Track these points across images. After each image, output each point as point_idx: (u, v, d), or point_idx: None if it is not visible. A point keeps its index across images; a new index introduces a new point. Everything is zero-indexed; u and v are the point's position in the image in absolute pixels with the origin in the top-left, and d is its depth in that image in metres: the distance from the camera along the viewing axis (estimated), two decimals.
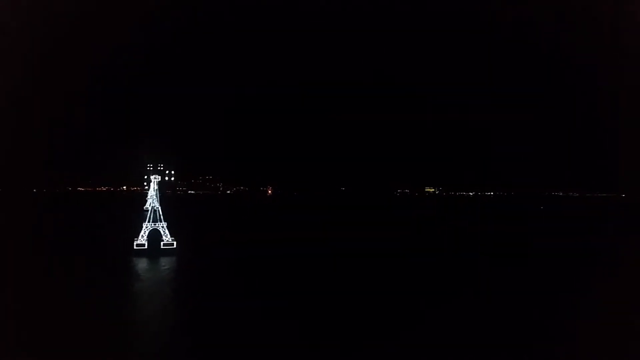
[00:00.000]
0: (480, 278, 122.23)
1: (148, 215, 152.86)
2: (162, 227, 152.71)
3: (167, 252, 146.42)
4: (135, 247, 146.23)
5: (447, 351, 68.17)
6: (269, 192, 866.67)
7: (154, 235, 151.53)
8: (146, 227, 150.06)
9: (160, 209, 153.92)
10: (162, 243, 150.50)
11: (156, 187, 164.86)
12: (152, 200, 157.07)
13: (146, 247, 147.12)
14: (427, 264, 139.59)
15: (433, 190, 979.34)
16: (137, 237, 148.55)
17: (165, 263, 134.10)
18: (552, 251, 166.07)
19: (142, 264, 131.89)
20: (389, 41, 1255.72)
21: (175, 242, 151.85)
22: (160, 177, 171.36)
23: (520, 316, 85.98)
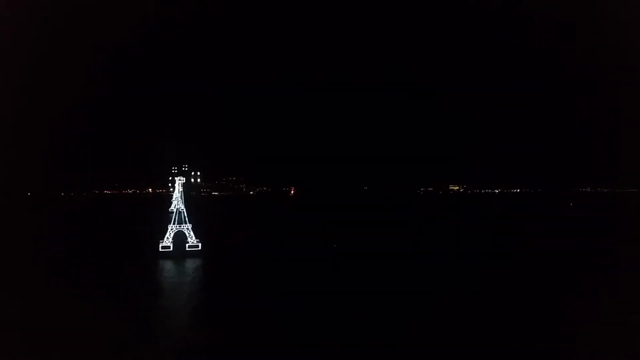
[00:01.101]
0: (480, 278, 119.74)
1: (173, 217, 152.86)
2: (187, 228, 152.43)
3: (193, 254, 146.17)
4: (160, 249, 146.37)
5: (449, 351, 68.02)
6: (292, 192, 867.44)
7: (180, 237, 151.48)
8: (171, 229, 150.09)
9: (185, 210, 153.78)
10: (187, 245, 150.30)
11: (181, 189, 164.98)
12: (177, 202, 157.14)
13: (171, 249, 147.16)
14: (428, 264, 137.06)
15: (457, 188, 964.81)
16: (163, 239, 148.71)
17: (190, 265, 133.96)
18: (554, 251, 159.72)
19: (167, 265, 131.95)
20: (400, 40, 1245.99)
21: (200, 244, 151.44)
22: (184, 178, 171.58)
23: (518, 317, 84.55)
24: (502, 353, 67.61)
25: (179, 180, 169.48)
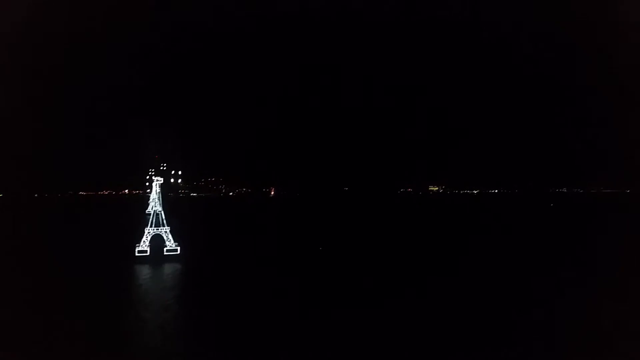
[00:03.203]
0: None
1: (150, 219, 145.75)
2: (165, 232, 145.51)
3: (171, 259, 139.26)
4: (137, 254, 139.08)
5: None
6: (272, 193, 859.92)
7: (157, 241, 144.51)
8: (148, 233, 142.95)
9: (162, 212, 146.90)
10: (165, 249, 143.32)
11: (158, 190, 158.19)
12: (155, 203, 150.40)
13: (148, 253, 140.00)
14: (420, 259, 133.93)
15: (437, 188, 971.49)
16: (139, 243, 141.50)
17: (168, 270, 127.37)
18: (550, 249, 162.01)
19: (143, 271, 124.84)
20: (387, 42, 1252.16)
21: (179, 248, 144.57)
22: (162, 179, 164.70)
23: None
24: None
25: (157, 181, 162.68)
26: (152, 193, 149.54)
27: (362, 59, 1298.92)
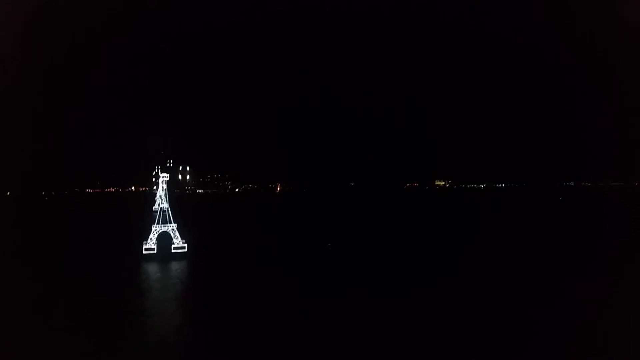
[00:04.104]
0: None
1: (157, 216, 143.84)
2: (172, 229, 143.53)
3: (178, 256, 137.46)
4: (144, 252, 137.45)
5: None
6: (278, 189, 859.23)
7: (164, 238, 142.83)
8: (155, 230, 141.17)
9: (169, 209, 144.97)
10: (172, 246, 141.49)
11: (165, 187, 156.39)
12: (161, 200, 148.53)
13: (155, 251, 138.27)
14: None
15: (443, 183, 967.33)
16: (146, 240, 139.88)
17: (175, 268, 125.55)
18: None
19: (151, 269, 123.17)
20: (389, 42, 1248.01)
21: (186, 245, 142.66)
22: (168, 175, 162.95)
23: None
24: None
25: (163, 177, 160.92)
26: (159, 190, 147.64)
27: (365, 58, 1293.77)
